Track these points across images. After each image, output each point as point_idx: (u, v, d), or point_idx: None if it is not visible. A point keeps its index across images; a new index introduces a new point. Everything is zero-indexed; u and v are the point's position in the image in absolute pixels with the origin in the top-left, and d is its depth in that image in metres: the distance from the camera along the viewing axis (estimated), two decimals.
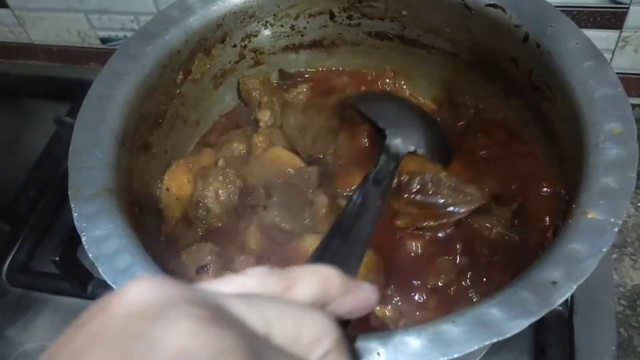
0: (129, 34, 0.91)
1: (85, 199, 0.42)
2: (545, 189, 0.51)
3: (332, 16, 0.61)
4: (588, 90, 0.44)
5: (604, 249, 0.36)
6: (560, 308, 0.60)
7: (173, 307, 0.22)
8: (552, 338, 0.59)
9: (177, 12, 0.55)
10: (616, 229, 0.37)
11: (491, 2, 0.52)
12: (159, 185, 0.56)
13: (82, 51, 0.97)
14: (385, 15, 0.60)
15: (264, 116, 0.60)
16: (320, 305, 0.27)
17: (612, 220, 0.37)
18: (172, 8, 0.55)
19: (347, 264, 0.34)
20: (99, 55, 0.97)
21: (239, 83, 0.63)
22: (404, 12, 0.59)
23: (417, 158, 0.53)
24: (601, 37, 0.73)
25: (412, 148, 0.52)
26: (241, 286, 0.26)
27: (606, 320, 0.59)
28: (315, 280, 0.28)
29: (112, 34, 0.93)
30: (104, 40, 0.95)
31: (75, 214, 0.41)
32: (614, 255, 0.67)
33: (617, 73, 0.76)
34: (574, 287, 0.35)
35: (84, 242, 0.39)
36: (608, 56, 0.75)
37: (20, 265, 0.71)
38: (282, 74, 0.65)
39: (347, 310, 0.29)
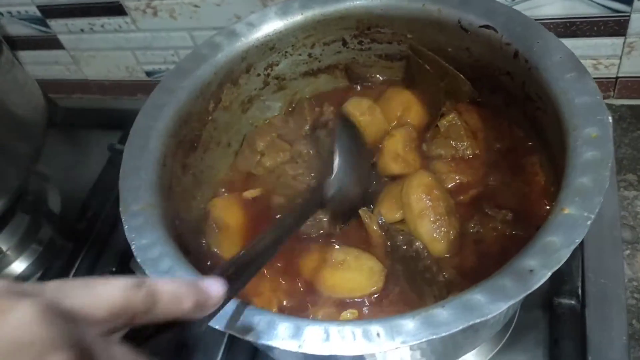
0: (170, 67, 1.00)
1: (133, 214, 0.49)
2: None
3: (344, 43, 0.67)
4: (570, 99, 0.49)
5: (577, 240, 0.40)
6: (573, 302, 0.64)
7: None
8: (565, 330, 0.62)
9: (207, 49, 0.63)
10: (589, 222, 0.41)
11: (484, 23, 0.57)
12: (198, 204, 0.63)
13: (130, 84, 1.07)
14: (392, 39, 0.66)
15: None
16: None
17: (585, 214, 0.41)
18: (202, 46, 0.63)
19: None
20: (145, 87, 1.07)
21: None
22: (409, 35, 0.64)
23: None
24: (607, 45, 0.76)
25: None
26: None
27: (617, 312, 0.62)
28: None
29: (156, 67, 1.02)
30: (148, 74, 1.04)
31: (126, 227, 0.48)
32: (627, 252, 0.69)
33: (627, 77, 0.80)
34: (549, 274, 0.39)
35: (133, 249, 0.47)
36: (616, 62, 0.78)
37: None
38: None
39: (184, 310, 0.32)
